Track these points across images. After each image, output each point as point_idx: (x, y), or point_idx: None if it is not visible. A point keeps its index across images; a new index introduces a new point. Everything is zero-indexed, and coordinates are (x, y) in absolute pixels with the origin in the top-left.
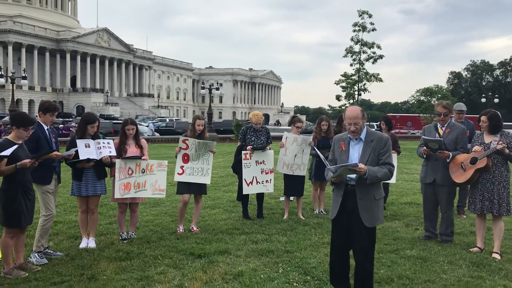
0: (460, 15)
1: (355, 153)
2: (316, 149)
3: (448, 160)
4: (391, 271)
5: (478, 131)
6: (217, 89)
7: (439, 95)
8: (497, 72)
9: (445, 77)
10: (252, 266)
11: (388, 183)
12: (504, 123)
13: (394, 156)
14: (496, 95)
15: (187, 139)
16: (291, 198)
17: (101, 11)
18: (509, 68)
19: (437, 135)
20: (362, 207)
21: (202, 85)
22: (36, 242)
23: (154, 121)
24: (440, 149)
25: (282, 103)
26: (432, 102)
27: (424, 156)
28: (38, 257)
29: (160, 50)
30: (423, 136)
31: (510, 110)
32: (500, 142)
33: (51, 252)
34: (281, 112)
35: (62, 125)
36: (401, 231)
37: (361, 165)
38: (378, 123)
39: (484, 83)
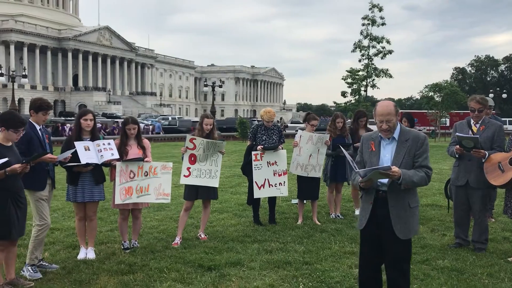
0: (464, 10)
1: (386, 154)
2: (342, 148)
3: (483, 160)
4: (425, 286)
5: None
6: (220, 86)
7: (448, 91)
8: (502, 67)
9: (449, 73)
10: (269, 281)
11: None
12: (509, 119)
13: None
14: (504, 91)
15: (195, 138)
16: (305, 201)
17: (103, 9)
18: None
19: (470, 132)
20: (394, 216)
21: (205, 83)
22: (29, 254)
23: (156, 119)
24: (475, 147)
25: (285, 100)
26: (436, 98)
27: (457, 156)
28: (31, 271)
29: (162, 48)
30: (457, 133)
31: None
32: None
33: (46, 264)
34: (284, 109)
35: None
36: (428, 237)
37: (395, 168)
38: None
39: (489, 79)
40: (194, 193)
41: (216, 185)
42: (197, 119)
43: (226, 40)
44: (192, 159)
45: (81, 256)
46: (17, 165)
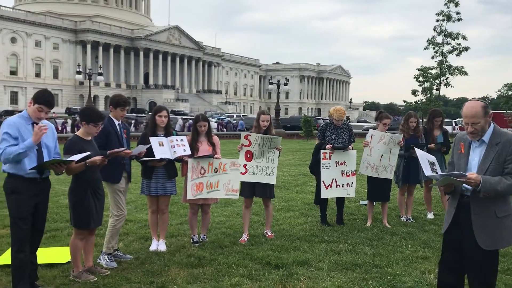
0: None
1: (475, 157)
2: (417, 149)
3: None
4: None
5: None
6: (285, 84)
7: None
8: None
9: None
10: (337, 282)
11: None
12: None
13: None
14: None
15: (250, 135)
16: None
17: (173, 9)
18: None
19: None
20: (477, 224)
21: (270, 81)
22: (106, 243)
23: (222, 117)
24: None
25: (351, 99)
26: None
27: None
28: (108, 259)
29: (229, 47)
30: None
31: None
32: None
33: (121, 254)
34: (350, 107)
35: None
36: None
37: (472, 175)
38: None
39: None
40: (250, 190)
41: (273, 182)
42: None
43: (292, 38)
44: (248, 156)
45: (153, 247)
46: (97, 158)
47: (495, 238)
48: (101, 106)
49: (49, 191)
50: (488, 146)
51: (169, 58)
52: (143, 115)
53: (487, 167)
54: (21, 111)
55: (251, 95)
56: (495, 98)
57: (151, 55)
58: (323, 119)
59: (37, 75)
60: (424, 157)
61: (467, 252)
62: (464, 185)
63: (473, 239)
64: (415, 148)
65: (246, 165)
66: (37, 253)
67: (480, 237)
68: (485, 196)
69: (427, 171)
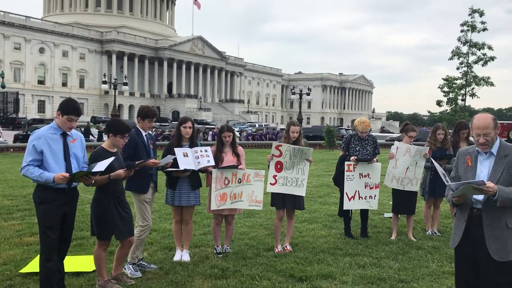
0: None
1: (483, 169)
2: (434, 160)
3: None
4: None
5: None
6: (308, 94)
7: None
8: None
9: None
10: None
11: None
12: None
13: None
14: None
15: (281, 145)
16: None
17: (196, 19)
18: None
19: None
20: (489, 236)
21: (292, 90)
22: (131, 253)
23: (244, 126)
24: None
25: (374, 109)
26: None
27: None
28: (132, 269)
29: (251, 57)
30: None
31: None
32: None
33: (145, 264)
34: (372, 118)
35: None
36: None
37: (490, 184)
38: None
39: None
40: (281, 201)
41: (303, 194)
42: (285, 126)
43: (315, 48)
44: (279, 166)
45: (176, 257)
46: (121, 171)
47: (508, 249)
48: (125, 115)
49: (77, 201)
50: (497, 158)
51: (192, 68)
52: (166, 124)
53: (498, 178)
54: (48, 119)
55: (273, 105)
56: None
57: (175, 65)
58: (345, 129)
59: (64, 84)
60: (439, 169)
61: (481, 265)
62: (474, 197)
63: (486, 251)
64: (432, 159)
65: (276, 175)
66: (64, 261)
67: (492, 249)
68: (501, 206)
69: (447, 181)
